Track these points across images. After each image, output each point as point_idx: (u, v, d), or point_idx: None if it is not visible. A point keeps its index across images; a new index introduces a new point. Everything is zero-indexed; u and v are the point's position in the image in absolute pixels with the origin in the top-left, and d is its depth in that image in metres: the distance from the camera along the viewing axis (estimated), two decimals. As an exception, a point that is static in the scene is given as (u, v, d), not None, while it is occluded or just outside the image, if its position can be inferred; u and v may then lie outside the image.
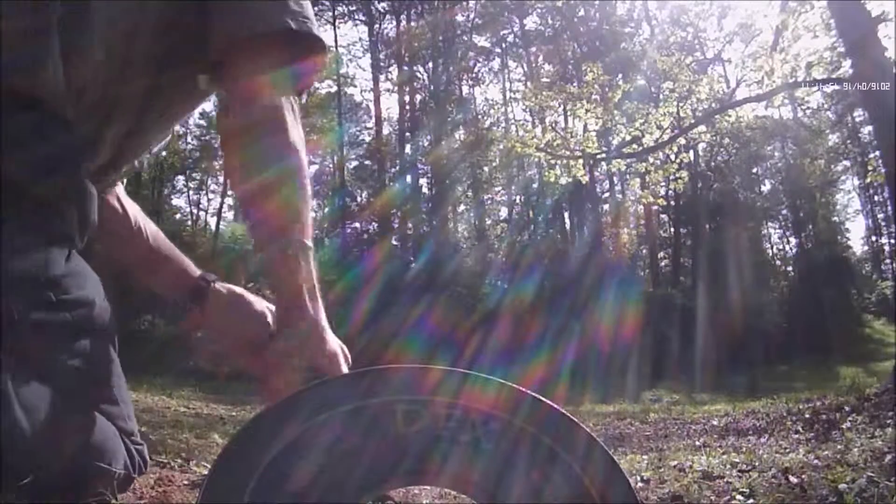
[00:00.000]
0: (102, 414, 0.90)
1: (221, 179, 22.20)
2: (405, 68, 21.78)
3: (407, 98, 22.02)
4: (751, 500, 1.37)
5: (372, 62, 21.76)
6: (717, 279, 16.55)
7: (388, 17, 21.94)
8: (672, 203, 19.28)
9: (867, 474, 1.45)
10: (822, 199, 23.15)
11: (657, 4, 19.05)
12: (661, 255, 21.51)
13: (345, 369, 0.79)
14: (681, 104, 7.54)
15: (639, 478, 1.75)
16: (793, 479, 1.54)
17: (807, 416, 3.87)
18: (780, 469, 1.70)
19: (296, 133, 0.82)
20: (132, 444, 0.97)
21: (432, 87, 21.48)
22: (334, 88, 21.86)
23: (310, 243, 0.80)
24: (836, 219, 23.96)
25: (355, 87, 23.58)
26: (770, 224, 23.91)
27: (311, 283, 0.79)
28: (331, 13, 20.87)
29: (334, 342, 0.80)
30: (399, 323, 12.45)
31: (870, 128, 16.63)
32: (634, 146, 7.89)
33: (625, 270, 18.15)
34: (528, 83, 18.55)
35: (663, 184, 14.03)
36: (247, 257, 19.45)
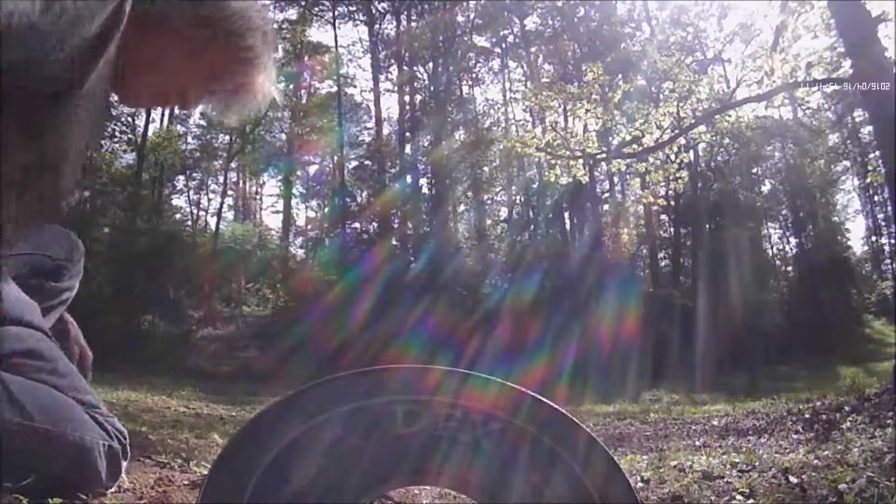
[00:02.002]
0: (49, 385, 0.93)
1: (221, 179, 22.24)
2: (405, 68, 21.79)
3: (407, 98, 22.03)
4: (751, 500, 1.37)
5: (372, 62, 21.77)
6: (717, 279, 16.54)
7: (388, 17, 21.96)
8: (672, 203, 19.26)
9: (867, 474, 1.45)
10: (822, 199, 23.13)
11: (657, 4, 19.08)
12: (661, 255, 21.51)
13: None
14: (681, 104, 7.53)
15: (639, 478, 1.75)
16: (793, 479, 1.54)
17: (807, 416, 3.87)
18: (780, 469, 1.70)
19: None
20: (99, 416, 0.99)
21: (432, 87, 21.50)
22: (334, 88, 21.89)
23: None
24: (836, 219, 23.94)
25: (355, 87, 23.64)
26: (770, 224, 23.90)
27: None
28: (331, 13, 20.90)
29: None
30: (399, 323, 12.46)
31: (870, 128, 16.62)
32: (634, 146, 7.88)
33: (625, 270, 18.14)
34: (528, 83, 18.58)
35: (663, 184, 14.01)
36: (247, 257, 19.48)
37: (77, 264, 1.20)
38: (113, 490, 1.13)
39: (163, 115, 20.30)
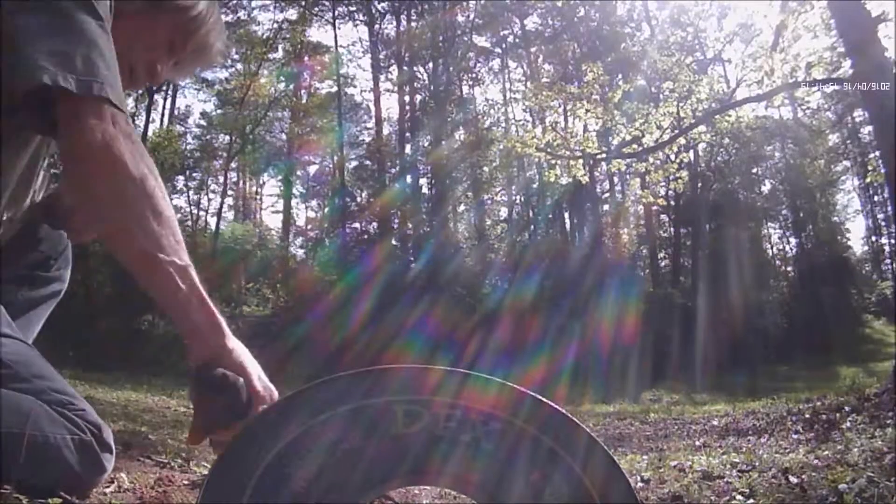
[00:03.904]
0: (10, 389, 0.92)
1: (221, 179, 22.23)
2: (405, 68, 21.77)
3: (407, 98, 22.02)
4: (751, 500, 1.37)
5: (372, 62, 21.76)
6: (717, 279, 16.54)
7: (388, 17, 21.94)
8: (672, 203, 19.26)
9: (867, 474, 1.45)
10: (822, 199, 23.13)
11: (657, 4, 19.06)
12: (661, 255, 21.50)
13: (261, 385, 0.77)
14: (681, 104, 7.53)
15: (639, 478, 1.75)
16: (793, 479, 1.54)
17: (807, 416, 3.87)
18: (780, 469, 1.70)
19: (138, 165, 0.79)
20: (68, 411, 0.98)
21: (432, 87, 21.48)
22: (334, 89, 21.88)
23: (180, 260, 0.77)
24: (836, 219, 23.96)
25: (355, 87, 23.63)
26: (770, 224, 23.91)
27: (193, 297, 0.77)
28: (331, 13, 20.89)
29: (242, 353, 0.79)
30: (399, 323, 12.45)
31: (870, 128, 16.62)
32: (634, 146, 7.88)
33: (625, 270, 18.14)
34: (528, 83, 18.57)
35: (663, 184, 14.03)
36: (247, 257, 19.48)
37: (62, 256, 1.21)
38: (112, 489, 1.13)
39: (163, 114, 20.33)
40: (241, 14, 19.54)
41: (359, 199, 22.14)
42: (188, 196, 22.48)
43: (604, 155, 8.52)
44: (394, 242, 19.20)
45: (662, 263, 21.44)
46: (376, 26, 21.68)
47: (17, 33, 0.80)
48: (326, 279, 16.78)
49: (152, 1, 1.02)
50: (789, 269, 23.48)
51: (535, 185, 20.40)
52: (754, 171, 22.66)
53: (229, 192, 23.38)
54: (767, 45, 7.02)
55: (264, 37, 19.58)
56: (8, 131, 0.91)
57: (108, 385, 6.22)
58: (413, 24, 21.66)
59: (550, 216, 20.63)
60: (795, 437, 3.09)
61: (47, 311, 1.22)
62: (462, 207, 22.18)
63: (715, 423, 4.70)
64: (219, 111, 21.84)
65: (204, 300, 0.77)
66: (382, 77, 22.26)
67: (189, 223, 21.64)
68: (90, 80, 0.80)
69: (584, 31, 20.73)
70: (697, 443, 3.38)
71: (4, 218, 1.02)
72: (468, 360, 10.58)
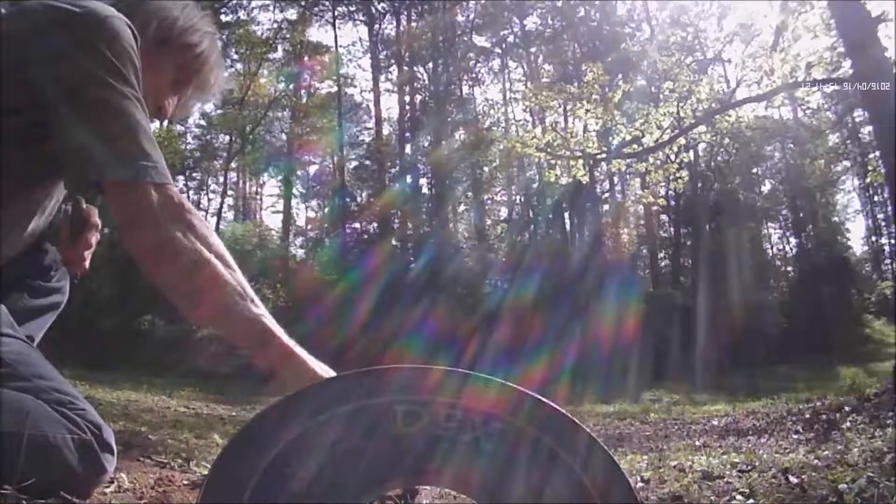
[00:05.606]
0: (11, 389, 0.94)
1: (221, 179, 22.24)
2: (405, 68, 21.79)
3: (407, 98, 22.04)
4: (751, 500, 1.37)
5: (372, 62, 21.78)
6: (717, 279, 16.53)
7: (388, 17, 21.97)
8: (672, 203, 19.27)
9: (867, 474, 1.45)
10: (822, 199, 23.13)
11: (657, 5, 19.08)
12: (661, 255, 21.50)
13: None
14: (681, 104, 7.52)
15: (639, 478, 1.75)
16: (793, 479, 1.54)
17: (807, 416, 3.87)
18: (780, 469, 1.70)
19: (192, 241, 0.85)
20: (69, 410, 0.99)
21: (432, 87, 21.49)
22: (334, 89, 21.89)
23: (249, 313, 0.85)
24: (836, 219, 23.94)
25: (355, 87, 23.64)
26: (770, 224, 23.90)
27: (271, 341, 0.84)
28: (331, 13, 20.91)
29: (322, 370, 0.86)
30: (399, 323, 12.45)
31: (870, 128, 16.61)
32: (634, 146, 7.87)
33: (625, 270, 18.14)
34: (528, 83, 18.57)
35: (663, 184, 14.03)
36: (247, 257, 19.46)
37: (62, 269, 1.23)
38: (112, 489, 1.13)
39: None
40: (241, 14, 19.57)
41: (359, 199, 22.15)
42: (188, 196, 22.46)
43: (604, 155, 8.51)
44: (394, 242, 19.20)
45: (662, 263, 21.44)
46: (376, 26, 21.71)
47: (61, 118, 0.85)
48: (326, 279, 16.77)
49: (160, 39, 1.06)
50: (789, 269, 23.48)
51: (535, 185, 20.41)
52: (754, 171, 22.66)
53: (229, 192, 23.41)
54: (767, 45, 7.02)
55: (264, 37, 19.60)
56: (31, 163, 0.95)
57: (108, 385, 6.22)
58: (413, 24, 21.68)
59: (550, 216, 20.63)
60: (795, 437, 3.09)
61: (48, 323, 1.23)
62: (462, 207, 22.20)
63: (715, 423, 4.70)
64: (219, 111, 21.83)
65: (277, 342, 0.84)
66: (382, 77, 22.30)
67: (189, 223, 21.60)
68: (134, 163, 0.85)
69: (584, 31, 20.75)
70: (697, 443, 3.38)
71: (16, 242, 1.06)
72: (468, 360, 10.56)
